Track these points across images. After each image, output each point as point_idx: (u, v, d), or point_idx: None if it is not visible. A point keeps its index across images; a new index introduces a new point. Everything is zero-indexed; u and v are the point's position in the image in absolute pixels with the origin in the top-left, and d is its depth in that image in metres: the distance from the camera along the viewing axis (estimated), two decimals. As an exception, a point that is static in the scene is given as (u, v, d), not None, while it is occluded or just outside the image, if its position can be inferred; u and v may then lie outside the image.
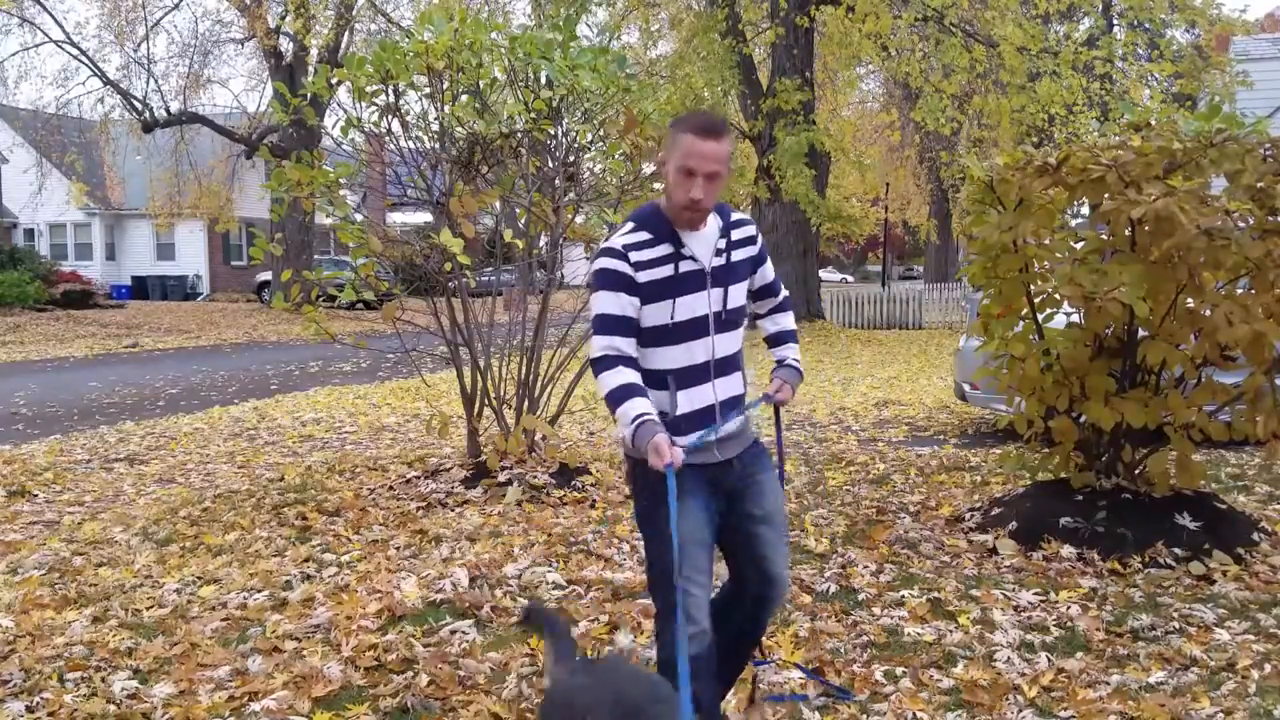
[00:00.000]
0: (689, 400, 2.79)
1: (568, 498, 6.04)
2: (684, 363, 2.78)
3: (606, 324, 2.73)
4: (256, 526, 5.70)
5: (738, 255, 2.89)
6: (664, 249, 2.77)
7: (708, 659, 2.76)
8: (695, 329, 2.79)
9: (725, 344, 2.85)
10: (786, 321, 3.16)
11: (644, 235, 2.78)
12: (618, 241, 2.78)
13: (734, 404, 2.86)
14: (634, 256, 2.74)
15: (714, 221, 2.86)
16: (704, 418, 2.79)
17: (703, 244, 2.82)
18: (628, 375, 2.70)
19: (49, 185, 28.76)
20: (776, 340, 3.17)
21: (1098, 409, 4.89)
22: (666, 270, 2.76)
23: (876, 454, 7.62)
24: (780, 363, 3.11)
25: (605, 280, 2.75)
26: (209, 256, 35.17)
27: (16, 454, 8.23)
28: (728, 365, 2.85)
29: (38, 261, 26.84)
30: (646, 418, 2.64)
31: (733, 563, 2.95)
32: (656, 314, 2.76)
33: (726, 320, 2.84)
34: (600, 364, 2.72)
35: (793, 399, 2.93)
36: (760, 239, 3.00)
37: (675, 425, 2.74)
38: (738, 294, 2.87)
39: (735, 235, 2.89)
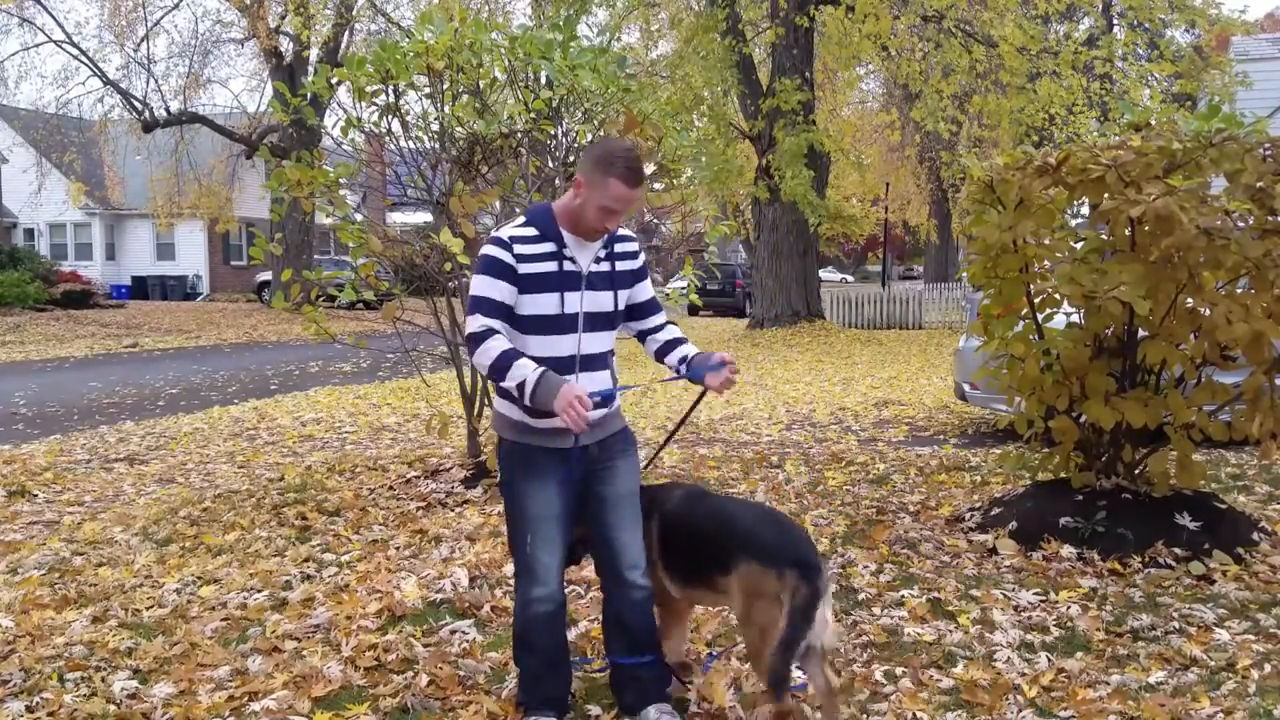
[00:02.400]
0: None
1: (568, 498, 6.03)
2: (552, 353, 3.03)
3: (486, 305, 3.00)
4: (256, 526, 5.70)
5: (621, 265, 3.18)
6: (548, 247, 3.05)
7: (553, 617, 3.14)
8: (565, 324, 3.06)
9: (592, 343, 3.12)
10: (674, 330, 3.35)
11: (531, 231, 3.06)
12: (505, 233, 3.07)
13: (598, 398, 3.07)
14: (518, 249, 3.03)
15: None
16: None
17: (584, 250, 3.10)
18: (508, 344, 2.97)
19: (49, 185, 28.74)
20: (670, 346, 3.32)
21: (1098, 409, 4.89)
22: (550, 266, 3.04)
23: (876, 454, 7.62)
24: (687, 359, 3.26)
25: (488, 266, 3.02)
26: (209, 256, 35.16)
27: (16, 454, 8.23)
28: (593, 362, 3.12)
29: (38, 261, 26.82)
30: (544, 370, 2.91)
31: (591, 541, 3.24)
32: (537, 305, 3.03)
33: (596, 321, 3.12)
34: (480, 337, 2.97)
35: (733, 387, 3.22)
36: (642, 256, 3.27)
37: (535, 406, 2.97)
38: (610, 300, 3.14)
39: (618, 248, 3.18)
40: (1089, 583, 4.47)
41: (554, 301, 3.04)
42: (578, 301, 3.08)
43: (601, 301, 3.13)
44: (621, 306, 3.20)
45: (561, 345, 3.06)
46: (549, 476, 3.11)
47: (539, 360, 2.99)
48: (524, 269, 3.02)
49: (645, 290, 3.29)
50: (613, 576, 3.20)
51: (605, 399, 3.12)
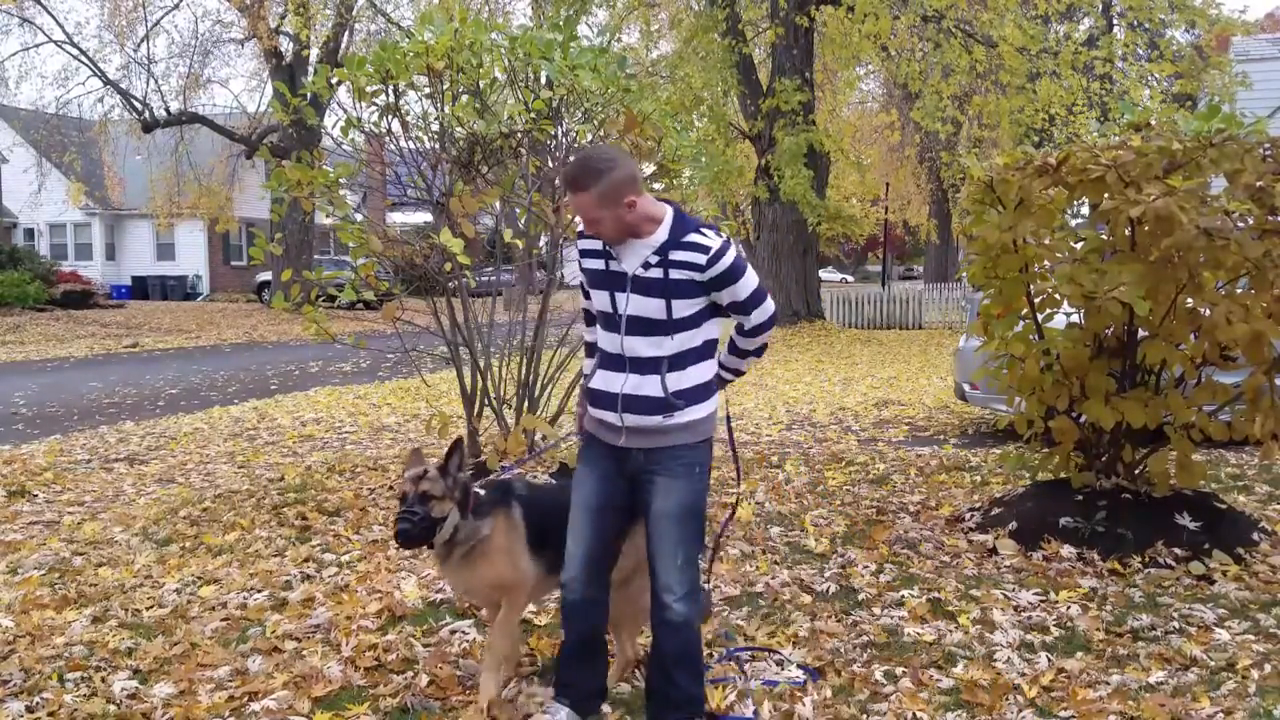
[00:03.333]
0: (604, 380, 3.13)
1: (568, 498, 6.02)
2: (608, 349, 3.13)
3: (583, 290, 3.25)
4: (256, 526, 5.70)
5: (676, 274, 2.99)
6: (600, 244, 3.12)
7: (575, 607, 3.19)
8: (610, 324, 3.11)
9: (637, 346, 3.04)
10: (746, 344, 3.19)
11: None
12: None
13: (641, 403, 3.04)
14: (581, 244, 3.19)
15: (659, 236, 3.02)
16: (609, 400, 3.10)
17: (632, 252, 3.05)
18: (591, 335, 3.26)
19: (49, 185, 28.73)
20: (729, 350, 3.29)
21: (1098, 409, 4.89)
22: (599, 264, 3.13)
23: (876, 454, 7.62)
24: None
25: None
26: (209, 256, 35.16)
27: (16, 454, 8.23)
28: (643, 366, 3.04)
29: (38, 261, 26.81)
30: (583, 382, 3.25)
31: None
32: (596, 300, 3.16)
33: (641, 326, 3.03)
34: (584, 317, 3.33)
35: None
36: (719, 265, 2.97)
37: (589, 394, 3.20)
38: (659, 307, 3.00)
39: (675, 255, 2.98)
40: (1089, 583, 4.47)
41: (605, 299, 3.11)
42: (622, 303, 3.07)
43: (647, 307, 3.01)
44: (679, 315, 3.00)
45: (613, 342, 3.11)
46: (595, 467, 3.20)
47: (602, 353, 3.16)
48: (585, 263, 3.18)
49: (730, 295, 3.03)
50: (652, 594, 3.15)
51: (656, 410, 3.02)
